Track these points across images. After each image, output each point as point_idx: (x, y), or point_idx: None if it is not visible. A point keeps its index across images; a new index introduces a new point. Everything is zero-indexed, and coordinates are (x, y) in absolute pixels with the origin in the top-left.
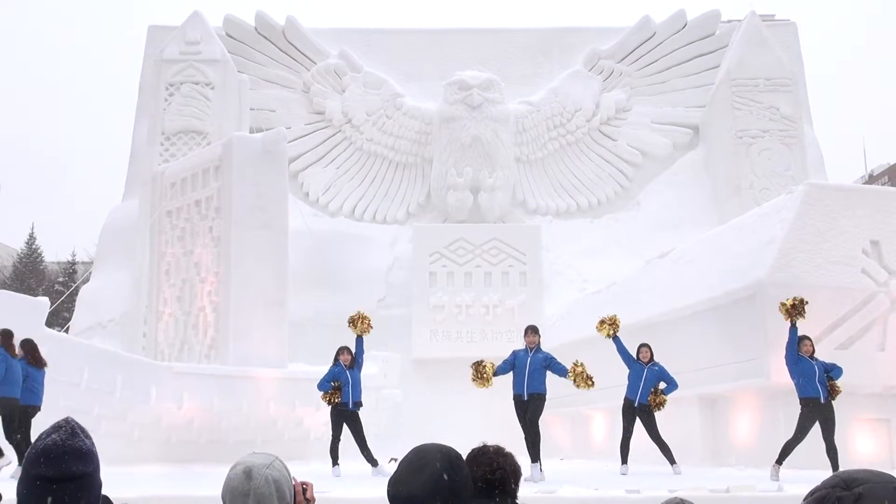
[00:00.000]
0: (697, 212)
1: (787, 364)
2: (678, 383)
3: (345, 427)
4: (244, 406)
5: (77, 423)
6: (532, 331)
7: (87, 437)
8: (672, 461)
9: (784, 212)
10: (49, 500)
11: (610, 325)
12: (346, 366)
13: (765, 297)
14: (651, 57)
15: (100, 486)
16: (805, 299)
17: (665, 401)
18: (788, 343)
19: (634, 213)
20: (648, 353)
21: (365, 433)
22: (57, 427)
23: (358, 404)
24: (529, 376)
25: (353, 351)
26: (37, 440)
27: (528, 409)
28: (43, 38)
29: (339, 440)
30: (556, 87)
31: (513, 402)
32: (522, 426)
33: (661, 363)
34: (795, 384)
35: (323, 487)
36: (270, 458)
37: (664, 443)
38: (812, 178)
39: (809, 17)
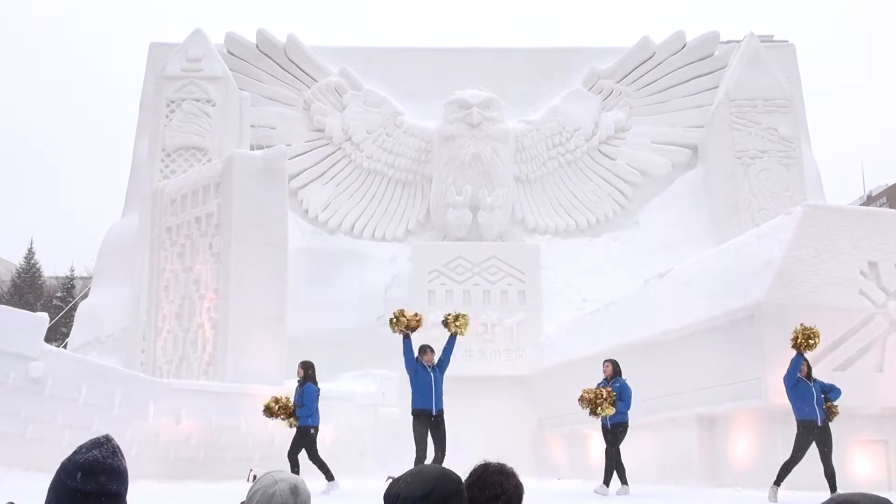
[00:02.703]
0: (696, 232)
1: (785, 385)
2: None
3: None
4: (242, 423)
5: (115, 442)
6: (430, 350)
7: (123, 457)
8: (624, 481)
9: (782, 232)
10: None
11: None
12: (300, 381)
13: (763, 317)
14: (650, 77)
15: None
16: (817, 336)
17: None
18: (791, 366)
19: (633, 233)
20: (610, 369)
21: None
22: (98, 443)
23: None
24: (437, 392)
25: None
26: (76, 453)
27: (440, 427)
28: (44, 53)
29: (317, 454)
30: (555, 107)
31: (415, 416)
32: (427, 442)
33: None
34: (793, 406)
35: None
36: (293, 474)
37: (619, 463)
38: (810, 198)
39: (808, 39)
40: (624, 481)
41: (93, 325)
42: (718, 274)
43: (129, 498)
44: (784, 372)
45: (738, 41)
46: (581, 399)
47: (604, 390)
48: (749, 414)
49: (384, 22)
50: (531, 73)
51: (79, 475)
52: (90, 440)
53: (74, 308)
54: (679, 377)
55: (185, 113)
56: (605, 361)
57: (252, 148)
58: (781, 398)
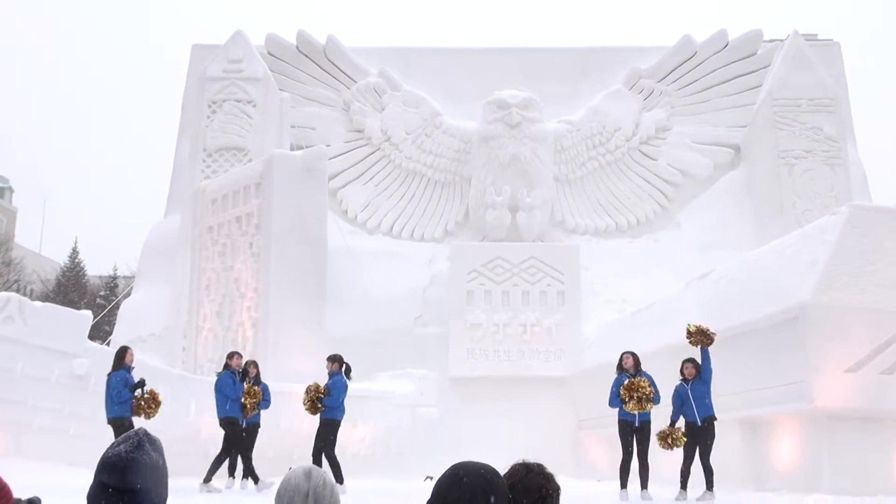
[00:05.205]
0: (738, 233)
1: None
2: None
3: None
4: (281, 422)
5: (148, 435)
6: (328, 359)
7: (156, 450)
8: (645, 486)
9: (827, 233)
10: None
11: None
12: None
13: (808, 319)
14: (692, 76)
15: (160, 499)
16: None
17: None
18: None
19: (674, 234)
20: (632, 360)
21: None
22: (126, 437)
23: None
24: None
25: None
26: (108, 448)
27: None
28: (90, 56)
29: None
30: (595, 106)
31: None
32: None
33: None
34: (699, 406)
35: None
36: (319, 468)
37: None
38: (856, 199)
39: (853, 37)
40: (645, 486)
41: (135, 323)
42: (762, 275)
43: (170, 495)
44: (822, 372)
45: (781, 40)
46: (633, 395)
47: (643, 382)
48: (793, 417)
49: (423, 22)
50: (571, 73)
51: (105, 470)
52: (123, 435)
53: (117, 307)
54: (721, 380)
55: (226, 114)
56: (625, 353)
57: (292, 148)
58: (826, 401)
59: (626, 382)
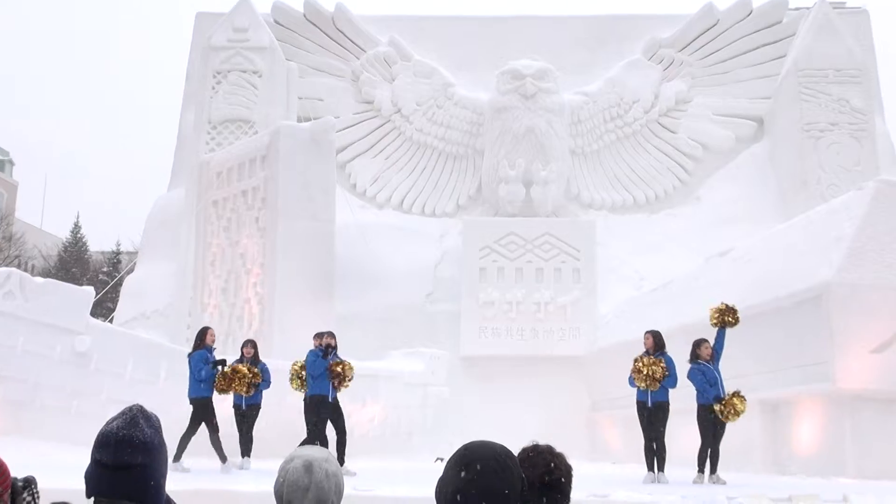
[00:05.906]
0: (761, 208)
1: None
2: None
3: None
4: (288, 400)
5: (143, 411)
6: (315, 337)
7: (152, 426)
8: (661, 468)
9: (853, 209)
10: (103, 483)
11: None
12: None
13: (832, 298)
14: (714, 46)
15: (156, 476)
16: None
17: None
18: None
19: (694, 209)
20: (651, 340)
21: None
22: (121, 414)
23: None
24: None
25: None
26: (103, 425)
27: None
28: (90, 26)
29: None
30: (613, 77)
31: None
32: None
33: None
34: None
35: (368, 486)
36: (325, 451)
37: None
38: (883, 173)
39: (883, 4)
40: (661, 468)
41: (139, 299)
42: (784, 252)
43: (173, 475)
44: (846, 352)
45: (807, 8)
46: (638, 372)
47: (648, 360)
48: (815, 399)
49: None
50: (588, 42)
51: (98, 446)
52: (120, 411)
53: (120, 283)
54: (741, 360)
55: (232, 84)
56: (645, 332)
57: (299, 120)
58: (850, 382)
59: (635, 359)
